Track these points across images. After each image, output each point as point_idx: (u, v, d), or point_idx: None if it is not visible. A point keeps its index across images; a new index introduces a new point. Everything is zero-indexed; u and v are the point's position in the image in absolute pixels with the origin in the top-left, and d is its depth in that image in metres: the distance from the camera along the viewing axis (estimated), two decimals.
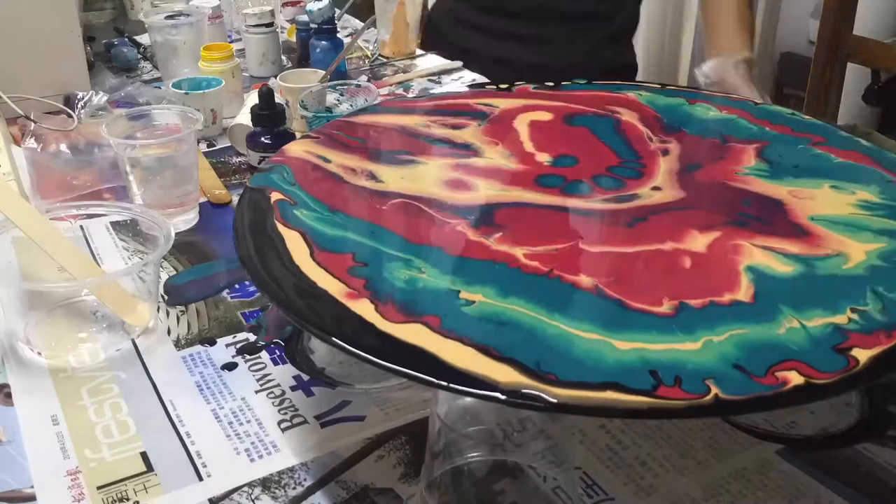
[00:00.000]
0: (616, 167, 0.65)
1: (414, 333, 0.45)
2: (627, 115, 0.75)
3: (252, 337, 0.69)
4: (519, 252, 0.53)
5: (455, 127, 0.73)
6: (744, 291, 0.48)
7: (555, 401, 0.40)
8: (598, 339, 0.44)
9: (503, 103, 0.77)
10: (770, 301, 0.47)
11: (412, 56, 1.41)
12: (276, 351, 0.67)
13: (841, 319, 0.45)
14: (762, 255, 0.52)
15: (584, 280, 0.50)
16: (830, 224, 0.56)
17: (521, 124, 0.73)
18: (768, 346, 0.43)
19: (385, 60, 1.38)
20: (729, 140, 0.70)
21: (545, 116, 0.75)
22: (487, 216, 0.59)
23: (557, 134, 0.72)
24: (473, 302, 0.48)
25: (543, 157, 0.67)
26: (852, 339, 0.44)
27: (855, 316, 0.46)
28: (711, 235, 0.55)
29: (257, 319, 0.71)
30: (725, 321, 0.45)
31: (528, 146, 0.69)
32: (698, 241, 0.54)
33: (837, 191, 0.61)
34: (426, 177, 0.64)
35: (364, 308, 0.47)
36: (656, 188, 0.62)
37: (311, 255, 0.53)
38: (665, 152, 0.68)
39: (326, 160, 0.66)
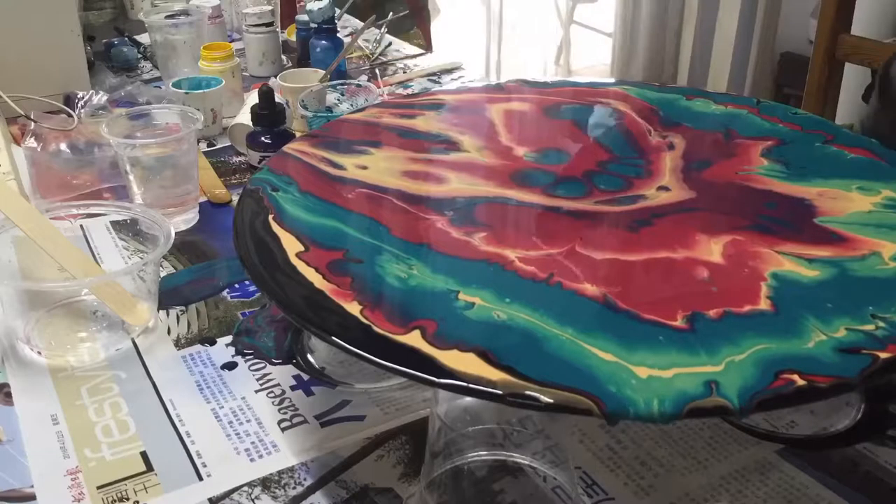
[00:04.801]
0: (616, 164, 0.64)
1: (411, 339, 0.44)
2: (622, 108, 0.72)
3: (245, 339, 0.69)
4: (511, 254, 0.52)
5: (407, 116, 0.72)
6: (765, 302, 0.46)
7: (551, 400, 0.39)
8: (617, 362, 0.41)
9: (464, 97, 0.76)
10: (794, 310, 0.45)
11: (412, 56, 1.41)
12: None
13: (868, 328, 0.44)
14: (789, 263, 0.50)
15: (590, 289, 0.48)
16: (861, 226, 0.54)
17: (496, 115, 0.72)
18: (794, 359, 0.41)
19: (385, 60, 1.38)
20: (737, 136, 0.67)
21: (522, 107, 0.73)
22: (467, 212, 0.57)
23: (539, 127, 0.70)
24: (473, 305, 0.47)
25: (523, 151, 0.66)
26: (882, 348, 0.42)
27: (882, 324, 0.44)
28: (730, 241, 0.52)
29: (239, 325, 0.71)
30: (748, 334, 0.43)
31: (505, 138, 0.67)
32: (713, 248, 0.52)
33: (864, 192, 0.58)
34: (395, 167, 0.64)
35: (355, 309, 0.46)
36: (663, 188, 0.60)
37: (303, 252, 0.52)
38: (671, 146, 0.66)
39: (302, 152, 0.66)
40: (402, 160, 0.66)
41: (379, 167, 0.64)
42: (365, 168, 0.64)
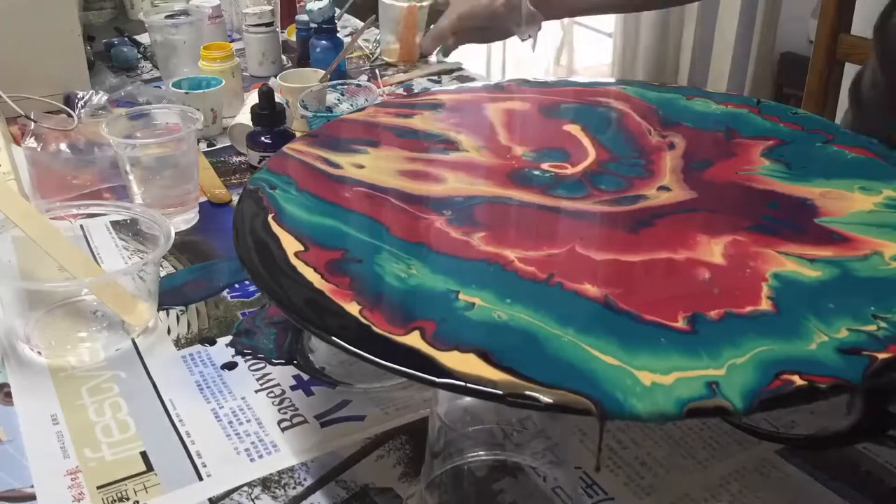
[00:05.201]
0: (616, 164, 0.64)
1: (411, 340, 0.44)
2: (620, 107, 0.72)
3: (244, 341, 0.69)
4: (511, 254, 0.51)
5: (405, 116, 0.72)
6: (766, 302, 0.46)
7: (551, 400, 0.39)
8: (620, 366, 0.41)
9: (462, 97, 0.76)
10: (795, 311, 0.45)
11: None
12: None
13: (870, 328, 0.43)
14: (791, 263, 0.49)
15: (591, 289, 0.47)
16: (863, 226, 0.54)
17: (494, 114, 0.71)
18: (796, 361, 0.41)
19: (385, 62, 1.38)
20: (737, 136, 0.67)
21: (522, 106, 0.72)
22: (466, 212, 0.57)
23: (536, 126, 0.69)
24: (473, 305, 0.46)
25: (521, 151, 0.66)
26: (884, 349, 0.42)
27: (884, 324, 0.44)
28: (731, 241, 0.52)
29: (238, 326, 0.70)
30: (749, 335, 0.43)
31: (504, 138, 0.67)
32: (714, 249, 0.51)
33: (865, 192, 0.58)
34: (391, 166, 0.64)
35: (354, 309, 0.46)
36: (664, 188, 0.60)
37: (302, 251, 0.52)
38: (671, 146, 0.65)
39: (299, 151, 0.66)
40: (398, 159, 0.66)
41: (375, 166, 0.64)
42: (362, 167, 0.64)
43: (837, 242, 0.52)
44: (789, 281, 0.48)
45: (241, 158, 1.03)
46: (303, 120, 0.99)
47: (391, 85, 1.27)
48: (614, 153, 0.66)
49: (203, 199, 0.91)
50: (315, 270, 0.50)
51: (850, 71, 1.50)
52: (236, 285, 0.76)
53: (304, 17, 1.28)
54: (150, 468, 0.56)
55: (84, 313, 0.72)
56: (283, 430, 0.59)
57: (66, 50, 1.13)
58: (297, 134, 0.98)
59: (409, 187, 0.61)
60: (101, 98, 1.02)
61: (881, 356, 0.41)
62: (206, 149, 1.06)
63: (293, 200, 0.59)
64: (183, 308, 0.73)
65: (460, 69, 1.35)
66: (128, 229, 0.82)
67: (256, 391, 0.63)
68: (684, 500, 0.53)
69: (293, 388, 0.63)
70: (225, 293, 0.75)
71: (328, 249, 0.53)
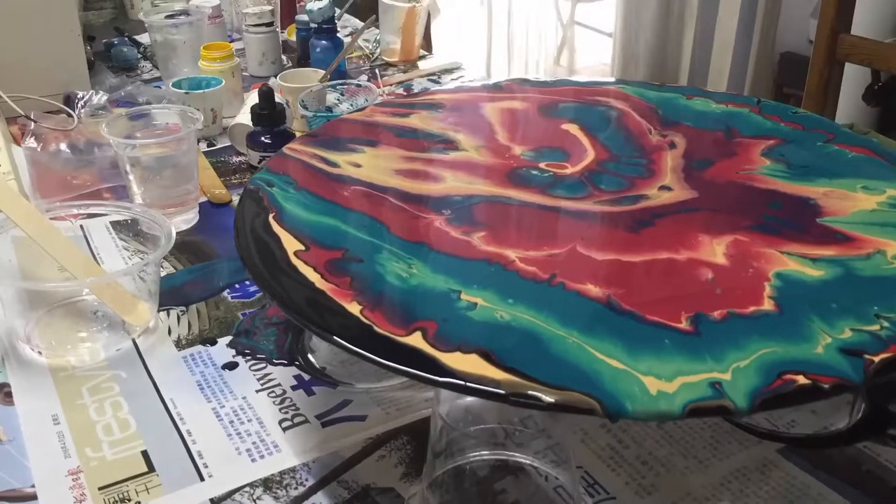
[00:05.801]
0: (616, 164, 0.64)
1: (413, 340, 0.43)
2: (621, 106, 0.72)
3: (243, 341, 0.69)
4: (511, 254, 0.51)
5: (403, 115, 0.72)
6: (768, 302, 0.46)
7: (553, 400, 0.39)
8: (625, 369, 0.41)
9: (461, 96, 0.76)
10: (798, 311, 0.45)
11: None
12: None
13: (873, 328, 0.43)
14: (794, 263, 0.49)
15: (593, 289, 0.47)
16: (865, 226, 0.54)
17: (493, 114, 0.71)
18: (800, 363, 0.41)
19: (385, 61, 1.39)
20: (738, 135, 0.67)
21: (521, 105, 0.72)
22: (465, 212, 0.57)
23: (535, 125, 0.69)
24: (475, 305, 0.46)
25: (520, 150, 0.65)
26: (885, 349, 0.42)
27: (886, 323, 0.44)
28: (732, 241, 0.52)
29: (238, 326, 0.70)
30: (752, 337, 0.43)
31: (502, 137, 0.67)
32: (716, 249, 0.51)
33: (868, 191, 0.58)
34: (388, 165, 0.64)
35: (355, 309, 0.46)
36: (665, 188, 0.60)
37: (302, 251, 0.52)
38: (672, 145, 0.65)
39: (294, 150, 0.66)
40: (396, 158, 0.66)
41: (373, 165, 0.64)
42: (359, 166, 0.64)
43: (840, 242, 0.52)
44: (792, 281, 0.48)
45: (241, 158, 1.03)
46: (303, 120, 0.99)
47: (391, 85, 1.27)
48: (614, 152, 0.66)
49: (203, 199, 0.91)
50: (315, 270, 0.50)
51: (850, 71, 1.50)
52: (236, 285, 0.76)
53: (304, 17, 1.28)
54: (151, 468, 0.56)
55: (84, 313, 0.72)
56: (284, 430, 0.59)
57: (66, 50, 1.13)
58: (297, 134, 0.98)
59: (408, 186, 0.61)
60: (101, 98, 1.02)
61: (884, 356, 0.41)
62: (206, 149, 1.06)
63: (293, 200, 0.59)
64: (183, 308, 0.73)
65: (460, 68, 1.35)
66: (128, 229, 0.82)
67: (257, 391, 0.63)
68: (686, 499, 0.53)
69: (294, 387, 0.63)
70: (225, 293, 0.75)
71: (328, 249, 0.53)
